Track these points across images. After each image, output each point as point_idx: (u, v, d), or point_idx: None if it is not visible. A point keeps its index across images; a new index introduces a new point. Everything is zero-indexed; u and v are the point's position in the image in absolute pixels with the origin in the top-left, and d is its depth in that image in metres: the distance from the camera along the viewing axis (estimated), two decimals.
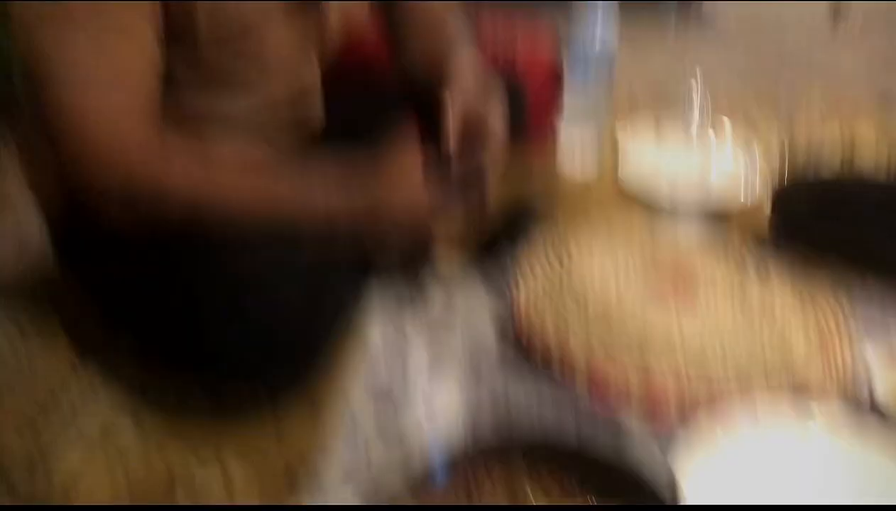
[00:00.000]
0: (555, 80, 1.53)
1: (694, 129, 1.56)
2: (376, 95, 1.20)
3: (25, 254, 1.22)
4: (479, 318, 1.08)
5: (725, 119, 1.60)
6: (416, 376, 0.97)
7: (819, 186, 1.27)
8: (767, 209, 1.25)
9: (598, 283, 1.07)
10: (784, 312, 1.03)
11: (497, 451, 0.77)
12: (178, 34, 0.86)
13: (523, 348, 1.00)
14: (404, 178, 0.93)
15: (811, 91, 2.12)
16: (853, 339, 1.00)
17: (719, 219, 1.34)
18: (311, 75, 1.09)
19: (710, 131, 1.56)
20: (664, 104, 1.69)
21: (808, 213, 1.19)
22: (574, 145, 1.54)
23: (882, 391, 0.92)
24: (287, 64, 1.00)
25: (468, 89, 1.03)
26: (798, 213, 1.20)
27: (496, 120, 1.02)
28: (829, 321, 1.03)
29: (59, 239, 1.02)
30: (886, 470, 0.82)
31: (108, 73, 0.79)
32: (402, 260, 1.09)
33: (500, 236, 1.17)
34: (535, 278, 1.09)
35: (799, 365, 0.96)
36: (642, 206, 1.39)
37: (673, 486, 0.75)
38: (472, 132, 1.00)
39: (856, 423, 0.88)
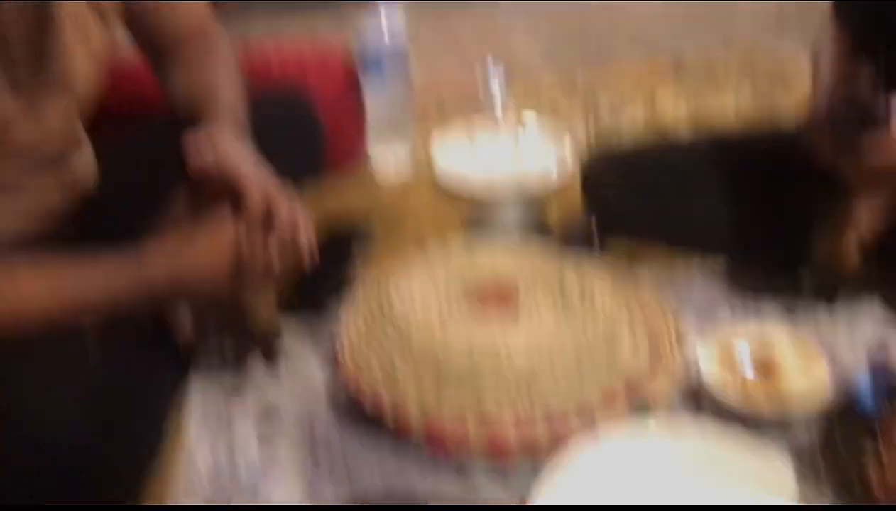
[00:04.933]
0: (351, 91, 1.46)
1: (501, 121, 1.54)
2: (150, 138, 1.09)
3: None
4: (307, 377, 1.01)
5: (530, 112, 1.59)
6: (246, 464, 0.89)
7: (624, 156, 1.26)
8: (578, 186, 1.24)
9: (420, 312, 1.01)
10: (607, 308, 1.02)
11: None
12: None
13: (355, 401, 0.94)
14: (200, 246, 0.85)
15: (610, 57, 2.16)
16: (678, 327, 1.01)
17: (536, 203, 1.34)
18: (72, 131, 0.97)
19: (518, 119, 1.55)
20: (469, 96, 1.66)
21: (616, 184, 1.18)
22: (384, 153, 1.48)
23: (711, 381, 0.92)
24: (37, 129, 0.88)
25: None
26: (607, 184, 1.20)
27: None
28: (653, 310, 1.03)
29: None
30: (725, 460, 0.82)
31: None
32: (217, 336, 1.00)
33: (321, 281, 1.09)
34: (357, 321, 1.02)
35: (628, 362, 0.95)
36: (461, 202, 1.36)
37: None
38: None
39: (690, 418, 0.88)
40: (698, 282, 1.14)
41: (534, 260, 1.12)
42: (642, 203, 1.15)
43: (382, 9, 1.40)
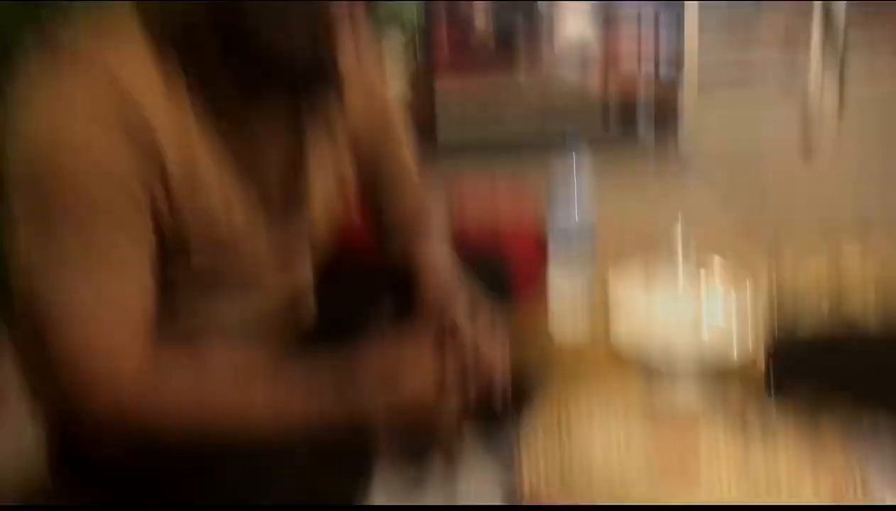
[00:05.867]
0: (538, 242, 1.54)
1: (682, 274, 1.56)
2: (366, 287, 1.21)
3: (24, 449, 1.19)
4: (483, 479, 1.08)
5: (716, 258, 1.60)
6: None
7: (810, 343, 1.29)
8: (762, 365, 1.26)
9: (601, 460, 1.06)
10: (790, 479, 1.03)
11: None
12: (171, 244, 0.88)
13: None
14: (404, 370, 0.91)
15: (793, 224, 2.14)
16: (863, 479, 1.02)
17: (715, 375, 1.33)
18: (304, 278, 1.10)
19: (700, 274, 1.56)
20: (651, 250, 1.71)
21: (804, 372, 1.21)
22: (563, 306, 1.53)
23: None
24: (279, 269, 1.02)
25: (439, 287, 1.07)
26: (793, 372, 1.22)
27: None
28: (837, 460, 1.05)
29: (56, 449, 1.00)
30: None
31: (101, 310, 0.80)
32: (408, 446, 1.08)
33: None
34: (538, 454, 1.08)
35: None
36: (638, 365, 1.38)
37: None
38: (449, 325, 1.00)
39: None
40: (886, 436, 1.13)
41: (716, 419, 1.15)
42: (834, 397, 1.16)
43: (575, 161, 1.47)
